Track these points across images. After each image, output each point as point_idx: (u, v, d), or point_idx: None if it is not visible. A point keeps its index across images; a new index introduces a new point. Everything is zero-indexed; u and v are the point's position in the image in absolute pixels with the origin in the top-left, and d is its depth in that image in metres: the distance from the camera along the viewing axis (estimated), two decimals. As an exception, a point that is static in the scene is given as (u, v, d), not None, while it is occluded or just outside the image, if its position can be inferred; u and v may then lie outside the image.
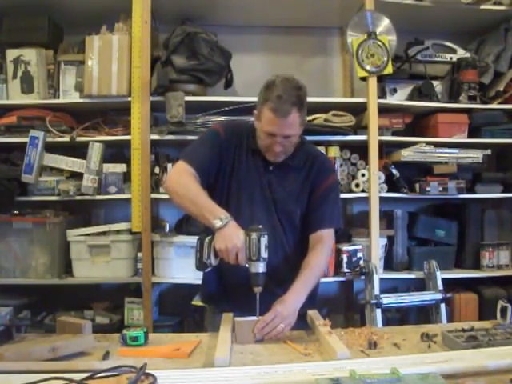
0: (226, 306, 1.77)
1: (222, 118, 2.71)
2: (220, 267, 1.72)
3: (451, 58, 3.02)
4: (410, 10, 2.86)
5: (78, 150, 2.82)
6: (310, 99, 2.85)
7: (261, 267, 1.59)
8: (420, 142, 2.84)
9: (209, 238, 1.65)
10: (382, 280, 2.70)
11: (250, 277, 1.61)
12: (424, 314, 2.71)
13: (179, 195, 1.74)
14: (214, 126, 1.98)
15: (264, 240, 1.58)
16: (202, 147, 1.83)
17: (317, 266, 1.77)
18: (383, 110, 2.80)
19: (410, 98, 2.94)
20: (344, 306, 3.12)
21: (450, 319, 2.66)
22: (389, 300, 2.53)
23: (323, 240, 1.81)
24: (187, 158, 1.78)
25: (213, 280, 1.86)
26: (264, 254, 1.58)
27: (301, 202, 1.84)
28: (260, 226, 1.60)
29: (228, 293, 1.84)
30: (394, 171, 2.86)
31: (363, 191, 2.82)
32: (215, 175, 1.82)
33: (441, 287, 2.58)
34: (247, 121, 2.07)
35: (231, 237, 1.59)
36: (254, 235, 1.58)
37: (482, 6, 2.87)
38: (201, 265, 1.66)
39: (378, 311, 2.50)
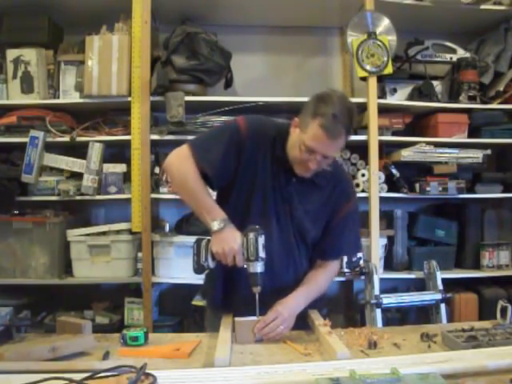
0: (235, 312, 1.69)
1: (222, 118, 2.71)
2: (229, 275, 1.72)
3: (451, 58, 3.02)
4: (410, 10, 2.86)
5: (78, 150, 2.82)
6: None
7: (259, 267, 1.59)
8: (420, 142, 2.84)
9: (205, 240, 1.66)
10: (382, 280, 2.70)
11: (248, 277, 1.61)
12: (424, 314, 2.71)
13: (177, 183, 1.71)
14: (235, 120, 1.72)
15: (261, 240, 1.58)
16: (216, 144, 1.66)
17: (323, 282, 1.77)
18: (383, 110, 2.81)
19: (410, 98, 2.93)
20: (344, 306, 3.12)
21: (450, 319, 2.66)
22: (389, 300, 2.53)
23: (334, 263, 1.84)
24: (196, 153, 1.64)
25: (220, 287, 1.79)
26: (262, 253, 1.58)
27: (318, 225, 1.76)
28: (257, 226, 1.59)
29: (238, 301, 1.73)
30: (394, 171, 2.86)
31: (363, 191, 2.82)
32: (229, 177, 1.69)
33: (441, 287, 2.58)
34: (273, 120, 1.86)
35: (228, 240, 1.59)
36: (251, 235, 1.58)
37: (482, 6, 2.87)
38: (198, 267, 1.66)
39: (378, 311, 2.50)
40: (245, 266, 1.60)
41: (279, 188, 1.70)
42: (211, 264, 1.64)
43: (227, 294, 1.78)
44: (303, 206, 1.72)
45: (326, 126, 1.52)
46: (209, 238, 1.65)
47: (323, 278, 1.77)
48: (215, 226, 1.60)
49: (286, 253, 1.73)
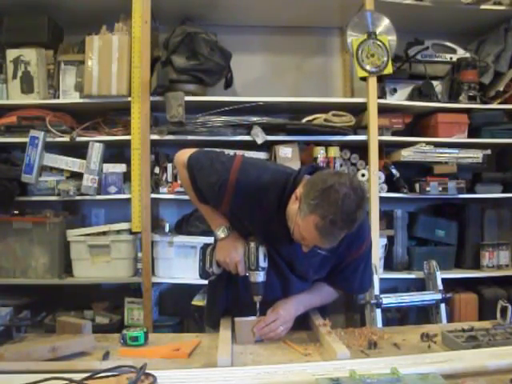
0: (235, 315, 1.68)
1: (222, 118, 2.71)
2: (234, 285, 1.71)
3: (451, 58, 3.01)
4: (410, 9, 2.86)
5: (78, 150, 2.82)
6: (310, 99, 2.90)
7: (260, 276, 1.59)
8: (420, 142, 2.84)
9: (211, 247, 1.67)
10: (382, 280, 2.70)
11: (250, 286, 1.61)
12: (424, 314, 2.71)
13: (182, 183, 1.75)
14: (228, 172, 1.56)
15: (262, 249, 1.58)
16: (205, 175, 1.59)
17: (327, 295, 1.75)
18: (383, 110, 2.80)
19: (410, 98, 2.94)
20: (344, 306, 3.12)
21: (450, 319, 2.66)
22: (389, 300, 2.53)
23: None
24: (190, 167, 1.62)
25: (223, 306, 1.77)
26: (263, 263, 1.58)
27: (322, 272, 1.68)
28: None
29: (240, 307, 1.70)
30: (394, 171, 2.86)
31: (363, 191, 2.81)
32: (219, 207, 1.63)
33: (441, 287, 2.58)
34: (272, 169, 1.64)
35: (229, 249, 1.60)
36: (252, 244, 1.58)
37: (482, 6, 2.87)
38: (204, 273, 1.68)
39: (378, 311, 2.50)
40: (247, 275, 1.61)
41: (279, 246, 1.61)
42: (216, 270, 1.66)
43: (229, 307, 1.76)
44: (308, 260, 1.61)
45: (320, 228, 1.38)
46: (214, 244, 1.67)
47: (328, 292, 1.75)
48: (219, 234, 1.62)
49: (284, 292, 1.69)
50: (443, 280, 2.61)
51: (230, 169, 1.57)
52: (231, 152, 2.39)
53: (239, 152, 2.62)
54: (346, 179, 1.40)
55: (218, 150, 1.81)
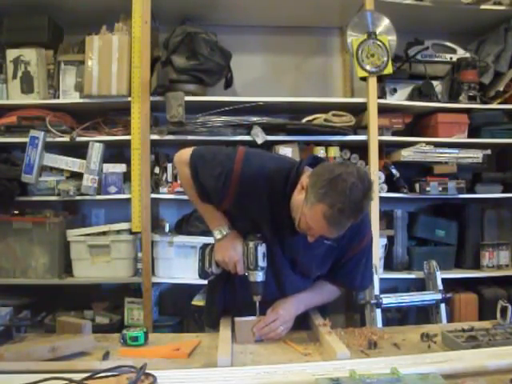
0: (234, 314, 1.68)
1: (222, 118, 2.71)
2: (231, 283, 1.71)
3: (451, 58, 3.01)
4: (409, 10, 2.86)
5: (78, 150, 2.82)
6: (309, 99, 2.90)
7: (259, 276, 1.59)
8: (420, 142, 2.84)
9: (210, 247, 1.67)
10: (382, 280, 2.70)
11: (249, 286, 1.61)
12: (424, 314, 2.71)
13: (182, 185, 1.74)
14: (232, 162, 1.56)
15: (261, 248, 1.57)
16: (209, 168, 1.58)
17: (328, 294, 1.75)
18: (383, 110, 2.80)
19: (410, 98, 2.94)
20: (344, 306, 3.12)
21: (450, 319, 2.66)
22: (389, 300, 2.53)
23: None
24: (192, 164, 1.60)
25: (221, 305, 1.77)
26: (262, 262, 1.58)
27: (325, 266, 1.68)
28: (259, 235, 1.59)
29: (239, 306, 1.71)
30: (394, 171, 2.86)
31: (363, 191, 2.81)
32: (221, 205, 1.62)
33: (441, 287, 2.58)
34: (275, 158, 1.71)
35: (228, 249, 1.60)
36: (251, 244, 1.57)
37: (482, 6, 2.87)
38: (203, 273, 1.69)
39: (378, 311, 2.50)
40: (246, 275, 1.60)
41: (283, 236, 1.60)
42: (215, 270, 1.66)
43: (227, 307, 1.75)
44: (311, 251, 1.61)
45: (328, 217, 1.38)
46: (213, 244, 1.67)
47: (329, 290, 1.74)
48: (216, 234, 1.62)
49: (282, 291, 1.68)
50: (443, 280, 2.62)
51: (234, 159, 1.57)
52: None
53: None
54: (352, 169, 1.42)
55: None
